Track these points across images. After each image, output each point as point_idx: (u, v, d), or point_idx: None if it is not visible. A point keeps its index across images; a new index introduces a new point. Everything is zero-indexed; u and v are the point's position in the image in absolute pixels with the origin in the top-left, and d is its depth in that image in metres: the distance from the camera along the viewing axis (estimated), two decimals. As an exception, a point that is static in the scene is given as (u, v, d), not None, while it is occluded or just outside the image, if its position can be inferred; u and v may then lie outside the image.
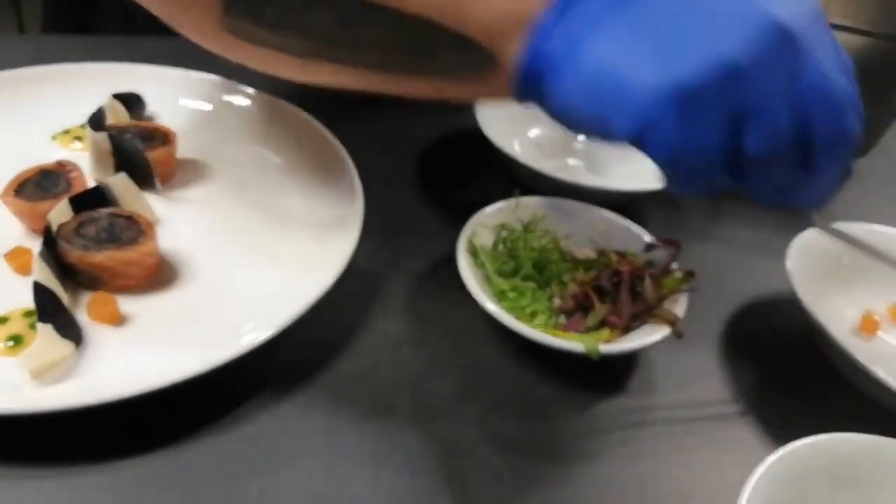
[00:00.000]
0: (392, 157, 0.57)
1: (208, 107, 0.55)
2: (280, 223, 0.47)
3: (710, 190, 0.32)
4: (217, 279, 0.43)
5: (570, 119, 0.33)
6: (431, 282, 0.47)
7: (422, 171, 0.57)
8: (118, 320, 0.39)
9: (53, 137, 0.51)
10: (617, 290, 0.44)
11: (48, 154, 0.49)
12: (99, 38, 0.64)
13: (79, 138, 0.51)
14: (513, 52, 0.33)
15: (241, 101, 0.55)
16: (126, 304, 0.40)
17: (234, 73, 0.56)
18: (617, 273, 0.44)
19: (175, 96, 0.55)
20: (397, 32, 0.35)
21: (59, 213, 0.41)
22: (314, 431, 0.38)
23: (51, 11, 0.75)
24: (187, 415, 0.37)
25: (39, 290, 0.37)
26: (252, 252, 0.45)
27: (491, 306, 0.41)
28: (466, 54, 0.35)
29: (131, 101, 0.52)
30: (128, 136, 0.47)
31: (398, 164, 0.57)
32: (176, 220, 0.46)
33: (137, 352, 0.38)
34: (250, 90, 0.56)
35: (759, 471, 0.32)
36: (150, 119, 0.54)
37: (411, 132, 0.61)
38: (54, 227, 0.40)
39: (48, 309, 0.37)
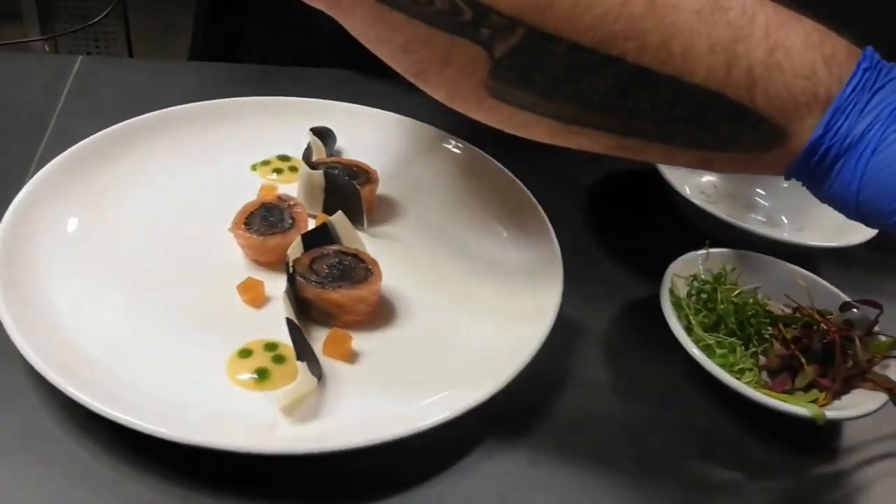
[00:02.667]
0: (562, 198, 0.58)
1: (391, 144, 0.57)
2: (478, 264, 0.49)
3: None
4: (431, 320, 0.44)
5: (853, 202, 0.33)
6: (627, 330, 0.48)
7: (593, 213, 0.58)
8: (351, 357, 0.41)
9: (253, 168, 0.53)
10: (826, 352, 0.44)
11: (249, 184, 0.52)
12: (267, 67, 0.67)
13: (278, 170, 0.53)
14: (803, 129, 0.34)
15: (426, 139, 0.57)
16: (354, 340, 0.42)
17: (414, 111, 0.58)
18: (826, 334, 0.44)
19: (359, 132, 0.57)
20: (678, 103, 0.35)
21: (295, 249, 0.43)
22: (542, 482, 0.38)
23: (198, 40, 0.79)
24: (412, 461, 0.38)
25: (293, 328, 0.39)
26: (458, 292, 0.46)
27: (714, 367, 0.41)
28: (748, 128, 0.35)
29: (325, 136, 0.54)
30: (336, 171, 0.49)
31: (568, 205, 0.58)
32: (379, 257, 0.47)
33: (373, 391, 0.39)
34: (433, 129, 0.57)
35: None
36: (338, 154, 0.56)
37: (578, 172, 0.61)
38: (290, 264, 0.42)
39: (302, 346, 0.38)
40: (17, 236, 0.42)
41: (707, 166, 0.38)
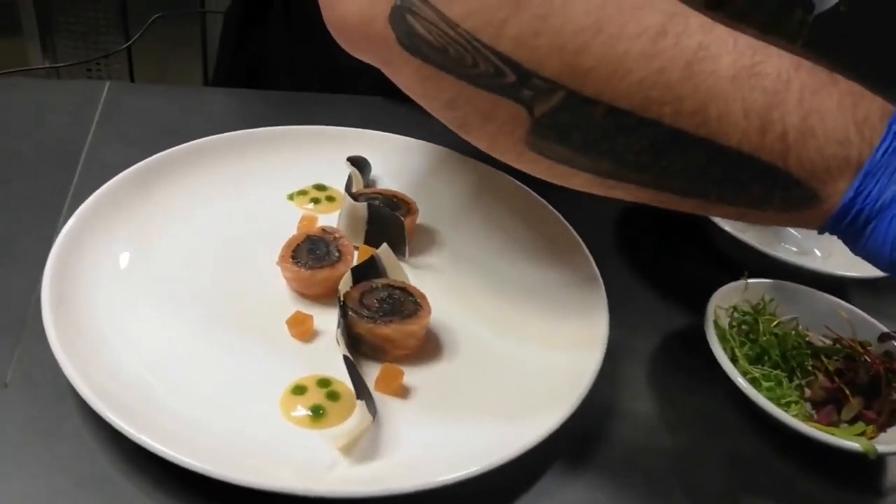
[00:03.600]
0: (595, 225, 0.57)
1: (424, 172, 0.57)
2: (520, 294, 0.49)
3: None
4: (479, 352, 0.44)
5: (886, 260, 0.35)
6: (670, 361, 0.48)
7: (626, 240, 0.58)
8: (403, 393, 0.41)
9: (289, 197, 0.53)
10: (871, 384, 0.44)
11: (287, 214, 0.51)
12: (294, 94, 0.67)
13: (315, 200, 0.53)
14: (835, 192, 0.35)
15: (457, 167, 0.57)
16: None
17: (443, 138, 0.58)
18: (871, 366, 0.45)
19: (392, 161, 0.57)
20: (711, 164, 0.36)
21: (345, 283, 0.43)
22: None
23: (222, 67, 0.79)
24: (465, 500, 0.38)
25: (352, 367, 0.39)
26: (502, 322, 0.46)
27: (764, 401, 0.42)
28: (781, 189, 0.36)
29: (362, 166, 0.54)
30: (377, 203, 0.49)
31: (601, 231, 0.58)
32: (421, 287, 0.46)
33: (428, 428, 0.39)
34: (466, 158, 0.57)
35: None
36: (372, 183, 0.56)
37: (607, 200, 0.62)
38: (341, 297, 0.42)
39: (360, 384, 0.38)
40: (65, 271, 0.41)
41: (741, 219, 0.39)
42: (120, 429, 0.34)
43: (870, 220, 0.35)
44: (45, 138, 0.56)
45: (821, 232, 0.37)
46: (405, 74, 0.39)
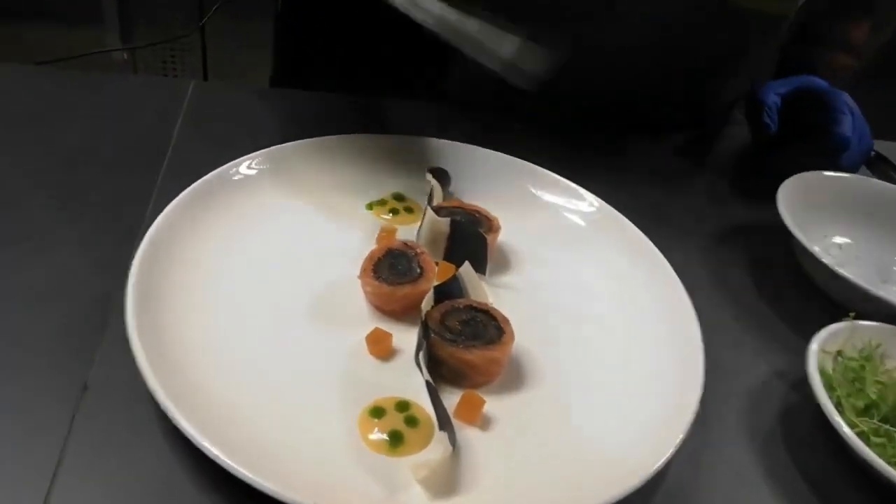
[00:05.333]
0: (682, 253, 0.53)
1: (504, 186, 0.55)
2: (605, 320, 0.46)
3: None
4: (564, 380, 0.42)
5: None
6: (767, 407, 0.45)
7: (714, 270, 0.55)
8: (483, 423, 0.39)
9: (368, 206, 0.52)
10: None
11: (366, 224, 0.50)
12: (370, 99, 0.66)
13: (394, 210, 0.52)
14: None
15: (541, 185, 0.55)
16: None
17: (532, 156, 0.57)
18: None
19: (471, 173, 0.55)
20: None
21: (427, 302, 0.41)
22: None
23: (278, 68, 0.79)
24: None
25: (435, 395, 0.37)
26: (588, 350, 0.44)
27: (876, 459, 0.38)
28: None
29: (442, 177, 0.53)
30: (459, 218, 0.48)
31: (690, 262, 0.55)
32: (501, 308, 0.44)
33: (510, 463, 0.37)
34: (546, 172, 0.55)
35: None
36: (452, 195, 0.54)
37: (700, 220, 0.59)
38: (423, 317, 0.41)
39: (443, 414, 0.36)
40: (149, 276, 0.41)
41: None
42: (196, 442, 0.33)
43: None
44: (129, 136, 0.57)
45: None
46: None
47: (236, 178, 0.50)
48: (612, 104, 0.64)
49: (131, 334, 0.37)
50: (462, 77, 0.63)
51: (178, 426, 0.34)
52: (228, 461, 0.33)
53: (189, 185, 0.48)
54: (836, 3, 0.63)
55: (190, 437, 0.34)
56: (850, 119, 0.60)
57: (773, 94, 0.61)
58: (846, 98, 0.62)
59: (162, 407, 0.35)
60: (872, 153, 0.67)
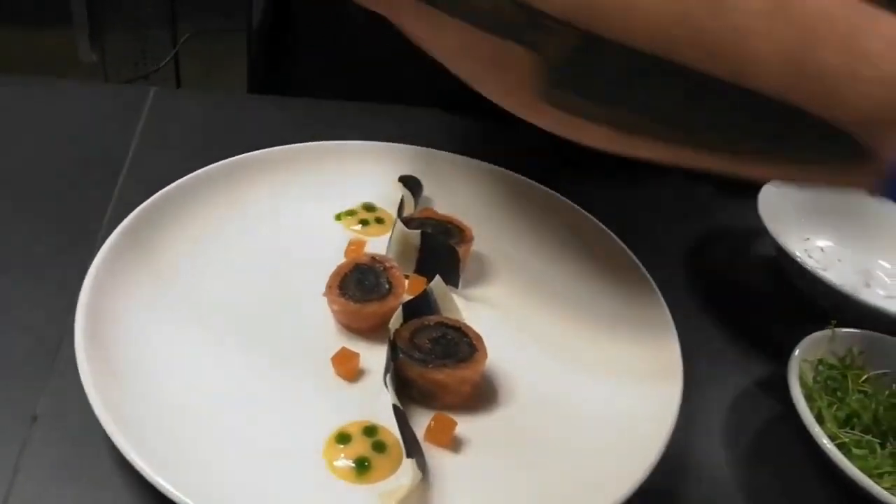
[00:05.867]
0: (662, 258, 0.53)
1: (481, 195, 0.53)
2: (583, 335, 0.45)
3: None
4: (539, 400, 0.40)
5: None
6: (748, 416, 0.44)
7: (695, 276, 0.53)
8: (455, 445, 0.37)
9: (337, 217, 0.50)
10: (978, 457, 0.40)
11: (335, 236, 0.48)
12: (346, 103, 0.64)
13: (363, 221, 0.50)
14: (890, 146, 0.30)
15: (519, 191, 0.53)
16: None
17: (511, 162, 0.55)
18: (977, 437, 0.40)
19: (446, 180, 0.54)
20: (743, 111, 0.32)
21: (396, 320, 0.39)
22: None
23: (255, 73, 0.76)
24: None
25: (403, 421, 0.35)
26: (565, 367, 0.43)
27: (855, 471, 0.37)
28: (827, 141, 0.31)
29: (414, 186, 0.51)
30: (429, 229, 0.46)
31: (669, 268, 0.54)
32: (474, 324, 0.43)
33: (483, 488, 0.36)
34: (526, 181, 0.53)
35: None
36: (425, 203, 0.52)
37: (678, 229, 0.58)
38: (391, 336, 0.39)
39: (411, 440, 0.35)
40: (100, 298, 0.39)
41: (786, 179, 0.36)
42: (148, 477, 0.31)
43: None
44: (87, 146, 0.54)
45: (881, 196, 0.33)
46: (411, 21, 0.36)
47: (196, 190, 0.47)
48: None
49: (80, 364, 0.35)
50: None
51: (131, 461, 0.32)
52: (186, 498, 0.31)
53: (147, 199, 0.46)
54: None
55: (142, 473, 0.32)
56: None
57: None
58: None
59: (112, 440, 0.33)
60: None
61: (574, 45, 0.32)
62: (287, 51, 0.70)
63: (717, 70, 0.31)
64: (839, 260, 0.57)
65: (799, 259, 0.50)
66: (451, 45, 0.36)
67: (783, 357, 0.43)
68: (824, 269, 0.53)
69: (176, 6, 1.56)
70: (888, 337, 0.46)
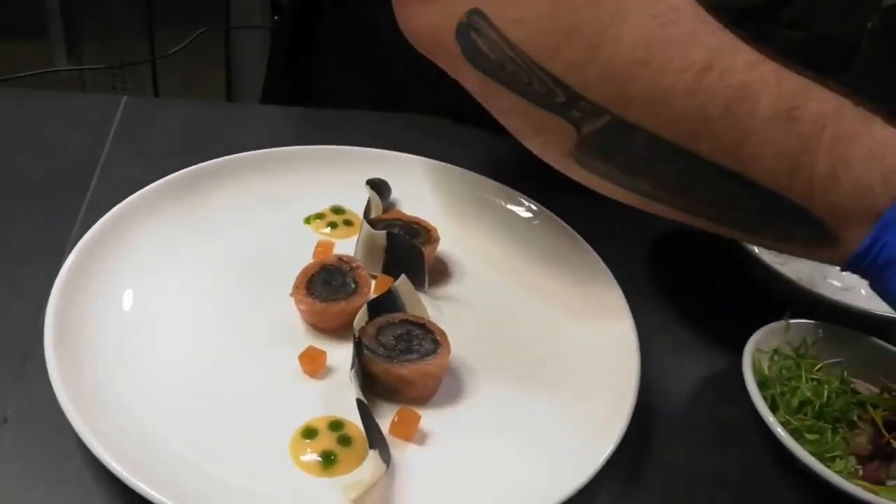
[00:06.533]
0: (628, 255, 0.55)
1: (449, 197, 0.54)
2: (546, 331, 0.46)
3: None
4: (501, 394, 0.42)
5: None
6: (706, 407, 0.45)
7: (658, 272, 0.55)
8: (419, 438, 0.38)
9: (306, 220, 0.51)
10: (923, 439, 0.41)
11: (303, 239, 0.49)
12: (327, 111, 0.65)
13: (332, 224, 0.51)
14: (855, 237, 0.37)
15: (485, 193, 0.55)
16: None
17: (479, 166, 0.56)
18: (923, 420, 0.41)
19: (415, 183, 0.55)
20: (742, 197, 0.38)
21: (361, 318, 0.40)
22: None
23: (273, 84, 0.77)
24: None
25: (365, 412, 0.36)
26: (527, 362, 0.44)
27: (806, 455, 0.39)
28: (804, 227, 0.38)
29: (381, 189, 0.52)
30: (396, 230, 0.47)
31: (633, 263, 0.55)
32: (440, 322, 0.44)
33: (445, 479, 0.37)
34: (494, 183, 0.55)
35: None
36: (392, 205, 0.54)
37: (643, 228, 0.58)
38: (356, 334, 0.40)
39: (374, 432, 0.36)
40: (70, 301, 0.40)
41: (766, 247, 0.44)
42: (119, 475, 0.32)
43: (887, 266, 0.37)
44: (58, 154, 0.55)
45: (842, 270, 0.40)
46: (469, 82, 0.42)
47: (165, 194, 0.48)
48: None
49: (50, 366, 0.36)
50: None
51: (100, 460, 0.33)
52: (157, 494, 0.32)
53: (117, 203, 0.46)
54: None
55: (112, 471, 0.32)
56: None
57: None
58: None
59: (83, 440, 0.33)
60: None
61: (604, 125, 0.38)
62: (309, 57, 0.72)
63: (723, 160, 0.37)
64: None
65: (757, 254, 0.52)
66: (502, 106, 0.42)
67: (741, 348, 0.45)
68: (783, 264, 0.54)
69: (154, 17, 1.57)
70: (840, 327, 0.47)
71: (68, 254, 0.43)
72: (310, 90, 0.70)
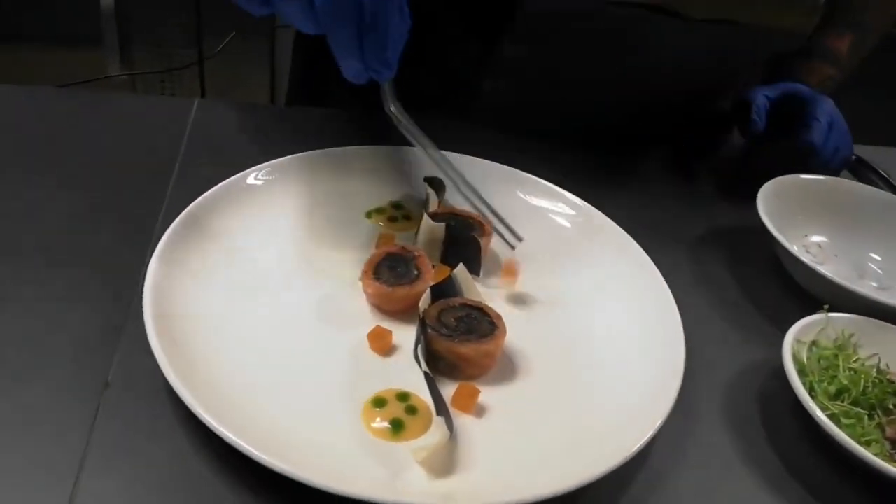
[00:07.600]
0: (666, 253, 0.56)
1: (497, 195, 0.56)
2: (592, 319, 0.49)
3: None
4: (552, 374, 0.45)
5: None
6: (746, 393, 0.48)
7: (699, 267, 0.58)
8: (478, 411, 0.41)
9: (367, 215, 0.55)
10: (957, 427, 0.43)
11: (365, 231, 0.53)
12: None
13: (392, 218, 0.55)
14: None
15: (531, 191, 0.58)
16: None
17: (526, 166, 0.60)
18: (956, 409, 0.43)
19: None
20: None
21: (425, 301, 0.44)
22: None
23: (295, 86, 0.81)
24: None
25: (432, 383, 0.40)
26: (575, 348, 0.47)
27: (844, 437, 0.41)
28: None
29: (438, 186, 0.55)
30: (453, 223, 0.50)
31: (674, 260, 0.57)
32: (492, 305, 0.47)
33: (502, 448, 0.40)
34: (541, 181, 0.58)
35: None
36: (446, 203, 0.57)
37: (683, 224, 0.62)
38: (421, 314, 0.43)
39: (440, 401, 0.39)
40: (164, 279, 0.44)
41: None
42: (213, 427, 0.36)
43: None
44: (139, 154, 0.60)
45: None
46: None
47: (242, 188, 0.52)
48: (610, 120, 0.67)
49: (150, 331, 0.40)
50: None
51: (196, 414, 0.37)
52: (244, 444, 0.35)
53: (197, 196, 0.51)
54: (823, 17, 0.66)
55: (207, 424, 0.36)
56: (823, 126, 0.63)
57: (762, 95, 0.64)
58: (828, 106, 0.65)
59: (182, 398, 0.37)
60: (854, 157, 0.70)
61: None
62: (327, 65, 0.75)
63: None
64: (835, 255, 0.60)
65: (796, 254, 0.54)
66: None
67: (780, 342, 0.47)
68: (821, 264, 0.57)
69: (202, 26, 1.64)
70: (878, 321, 0.49)
71: (157, 239, 0.47)
72: (328, 94, 0.73)
